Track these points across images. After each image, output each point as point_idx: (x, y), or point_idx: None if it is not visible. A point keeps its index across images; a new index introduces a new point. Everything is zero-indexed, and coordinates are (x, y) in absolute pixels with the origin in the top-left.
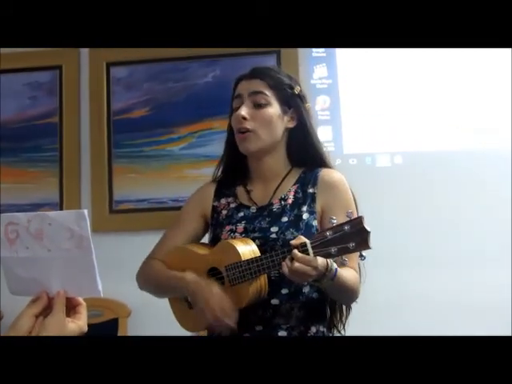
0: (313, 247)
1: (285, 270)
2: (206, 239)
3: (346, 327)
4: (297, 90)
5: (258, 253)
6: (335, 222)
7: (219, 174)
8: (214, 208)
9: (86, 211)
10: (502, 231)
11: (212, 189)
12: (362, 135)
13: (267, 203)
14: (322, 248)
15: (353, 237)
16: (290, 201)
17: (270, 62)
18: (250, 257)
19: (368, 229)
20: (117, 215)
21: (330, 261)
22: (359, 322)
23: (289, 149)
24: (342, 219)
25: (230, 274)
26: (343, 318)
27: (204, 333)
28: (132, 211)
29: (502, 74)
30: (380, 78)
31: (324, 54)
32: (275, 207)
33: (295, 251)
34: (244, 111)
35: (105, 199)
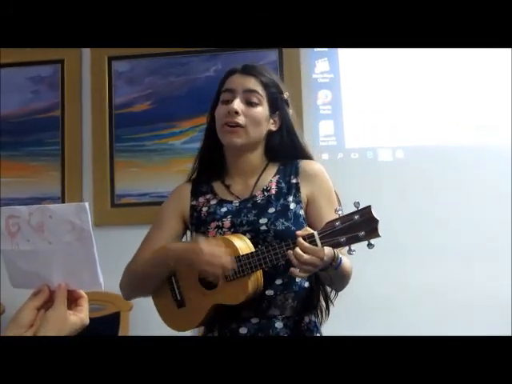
0: (321, 238)
1: (294, 261)
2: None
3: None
4: (286, 95)
5: (252, 247)
6: (341, 212)
7: (194, 172)
8: (193, 207)
9: (86, 204)
10: (502, 227)
11: (188, 188)
12: (363, 130)
13: (249, 196)
14: (330, 238)
15: (362, 226)
16: (273, 191)
17: (271, 56)
18: (247, 251)
19: (377, 218)
20: (118, 209)
21: (336, 251)
22: (356, 318)
23: (267, 148)
24: (327, 208)
25: None
26: (327, 309)
27: (191, 332)
28: (133, 205)
29: (502, 71)
30: (382, 72)
31: (326, 49)
32: (259, 198)
33: (303, 241)
34: (237, 105)
35: (106, 193)
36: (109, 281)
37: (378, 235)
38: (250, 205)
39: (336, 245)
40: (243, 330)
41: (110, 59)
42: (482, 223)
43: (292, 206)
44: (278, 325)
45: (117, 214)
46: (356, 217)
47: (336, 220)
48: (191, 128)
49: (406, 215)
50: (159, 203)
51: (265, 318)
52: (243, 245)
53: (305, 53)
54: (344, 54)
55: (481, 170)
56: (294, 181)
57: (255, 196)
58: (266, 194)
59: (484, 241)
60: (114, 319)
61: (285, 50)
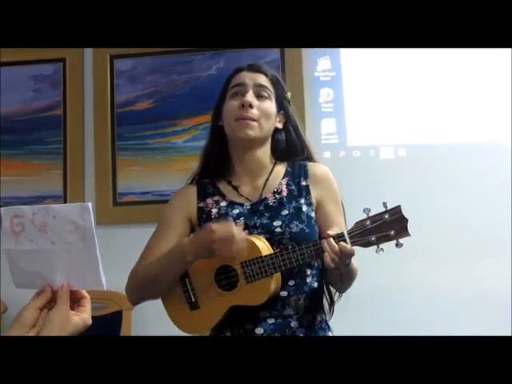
0: (351, 237)
1: (328, 260)
2: None
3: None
4: (288, 95)
5: (271, 248)
6: (370, 212)
7: (197, 174)
8: (201, 209)
9: (90, 204)
10: (503, 225)
11: (193, 190)
12: (365, 128)
13: (260, 198)
14: (360, 237)
15: (393, 225)
16: (284, 193)
17: (273, 54)
18: (268, 252)
19: (407, 217)
20: (120, 208)
21: None
22: (356, 317)
23: (274, 146)
24: (335, 211)
25: (248, 270)
26: (332, 307)
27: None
28: (136, 204)
29: (503, 68)
30: (384, 70)
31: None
32: (271, 201)
33: (343, 243)
34: (251, 98)
35: (108, 192)
36: (111, 280)
37: (407, 234)
38: (262, 207)
39: (366, 244)
40: (259, 331)
41: (112, 58)
42: (483, 221)
43: (304, 208)
44: (294, 324)
45: (119, 212)
46: (386, 216)
47: (366, 219)
48: (193, 126)
49: (407, 213)
50: (161, 202)
51: (280, 317)
52: (263, 245)
53: (307, 51)
54: (346, 52)
55: (482, 168)
56: (303, 183)
57: (266, 198)
58: (277, 196)
59: (485, 239)
60: (116, 318)
61: (287, 49)
